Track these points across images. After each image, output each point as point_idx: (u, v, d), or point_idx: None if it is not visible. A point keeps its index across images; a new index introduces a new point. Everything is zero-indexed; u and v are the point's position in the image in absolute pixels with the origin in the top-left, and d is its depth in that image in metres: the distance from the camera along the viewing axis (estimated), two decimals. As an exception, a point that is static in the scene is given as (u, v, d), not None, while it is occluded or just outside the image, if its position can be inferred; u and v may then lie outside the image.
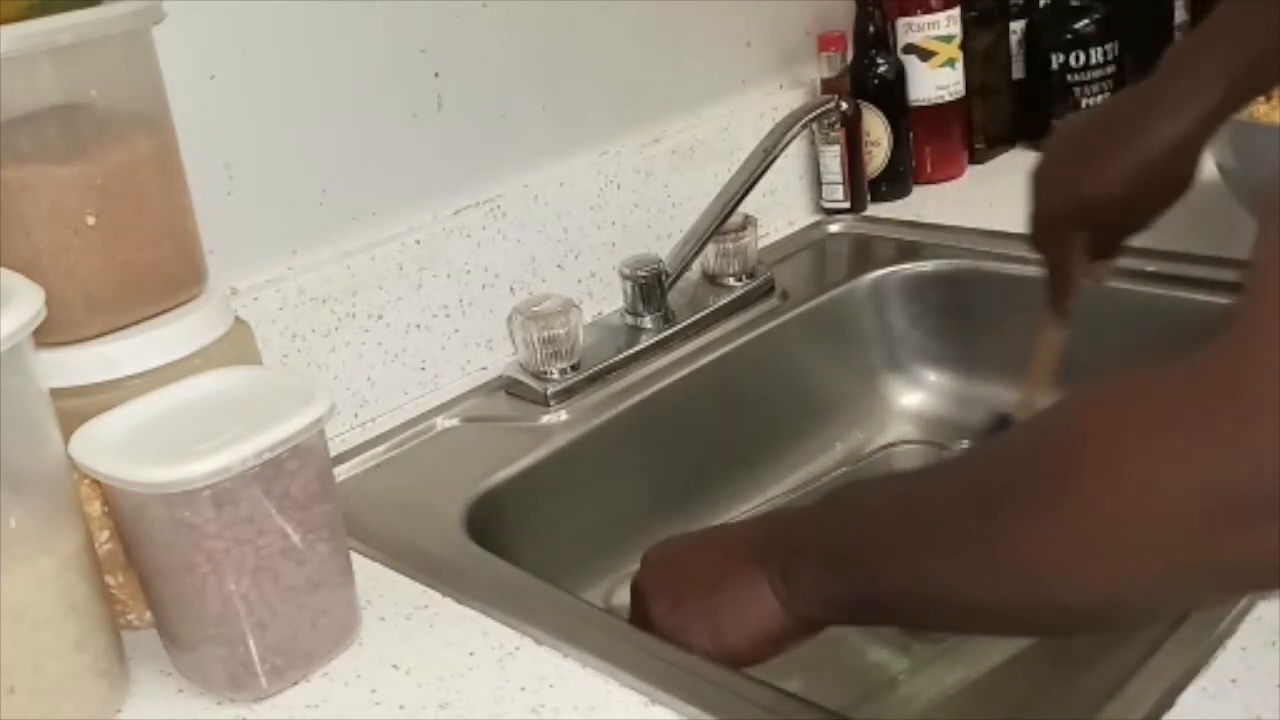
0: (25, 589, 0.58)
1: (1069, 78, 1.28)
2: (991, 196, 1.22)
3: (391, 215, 0.93)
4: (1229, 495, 0.39)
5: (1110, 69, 1.28)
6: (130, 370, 0.67)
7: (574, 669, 0.63)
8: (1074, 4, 1.28)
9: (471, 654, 0.65)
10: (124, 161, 0.68)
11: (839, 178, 1.20)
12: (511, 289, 0.99)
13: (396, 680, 0.64)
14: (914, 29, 1.22)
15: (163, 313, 0.70)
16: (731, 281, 1.05)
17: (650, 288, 1.00)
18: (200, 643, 0.63)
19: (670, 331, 0.99)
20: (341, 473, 0.85)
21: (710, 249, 1.04)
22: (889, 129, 1.22)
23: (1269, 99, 0.96)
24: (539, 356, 0.92)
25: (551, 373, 0.93)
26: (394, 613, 0.69)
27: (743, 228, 1.05)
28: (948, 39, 1.23)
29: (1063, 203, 0.74)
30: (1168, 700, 0.55)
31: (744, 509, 0.99)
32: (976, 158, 1.31)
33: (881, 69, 1.21)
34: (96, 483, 0.64)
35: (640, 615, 0.63)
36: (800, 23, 1.21)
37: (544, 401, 0.92)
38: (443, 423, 0.92)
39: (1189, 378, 0.41)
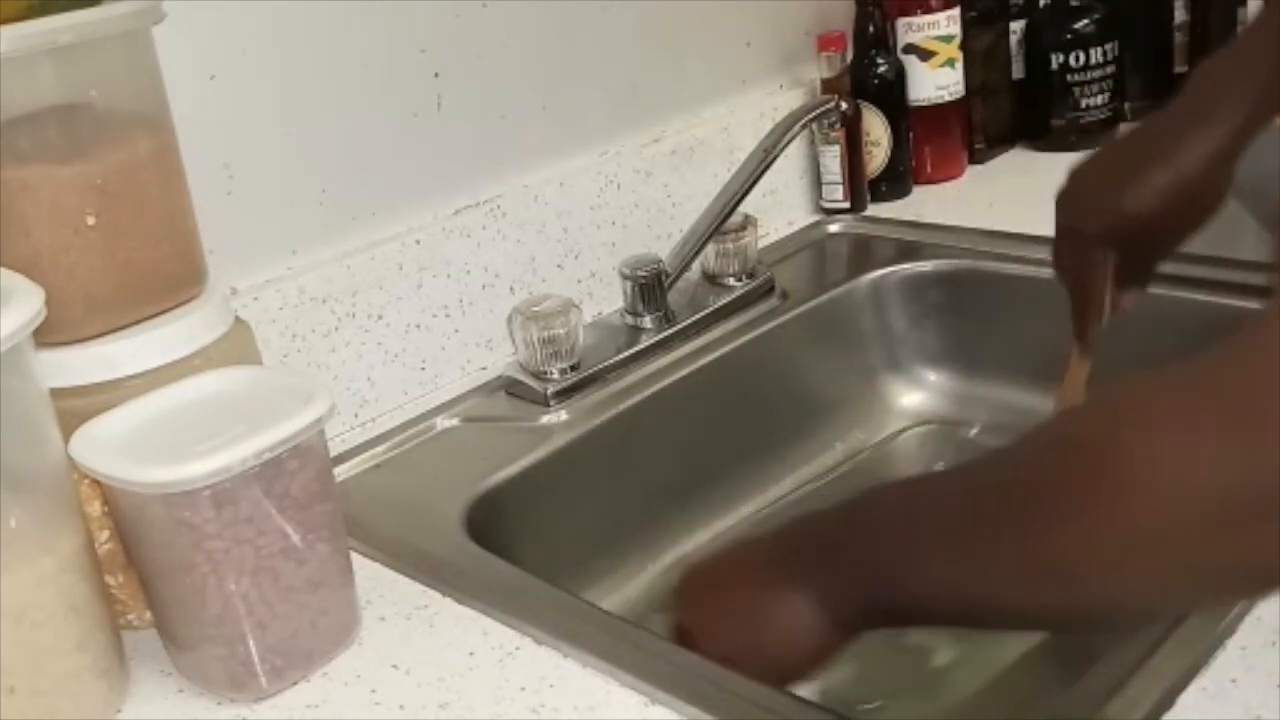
0: (25, 589, 0.58)
1: (1069, 78, 1.28)
2: (991, 196, 1.22)
3: (391, 215, 0.93)
4: (1256, 493, 0.39)
5: (1110, 69, 1.28)
6: (130, 370, 0.67)
7: (574, 669, 0.63)
8: (1074, 4, 1.28)
9: (471, 654, 0.65)
10: (124, 161, 0.68)
11: (839, 178, 1.20)
12: (511, 289, 0.99)
13: (396, 680, 0.64)
14: (914, 29, 1.22)
15: (163, 313, 0.70)
16: (731, 281, 1.05)
17: (650, 288, 1.00)
18: (200, 643, 0.63)
19: (670, 331, 0.99)
20: (341, 473, 0.85)
21: (710, 249, 1.04)
22: (889, 129, 1.22)
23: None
24: (539, 356, 0.92)
25: (551, 373, 0.93)
26: (394, 613, 0.69)
27: (743, 228, 1.05)
28: (948, 39, 1.23)
29: (1093, 219, 0.72)
30: (1168, 700, 0.55)
31: (744, 509, 0.99)
32: (976, 158, 1.30)
33: (881, 69, 1.21)
34: (96, 483, 0.64)
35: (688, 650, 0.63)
36: (800, 23, 1.21)
37: (544, 401, 0.92)
38: (443, 423, 0.92)
39: (1216, 376, 0.41)
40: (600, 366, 0.94)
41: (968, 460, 0.50)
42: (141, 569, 0.64)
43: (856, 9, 1.21)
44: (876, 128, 1.22)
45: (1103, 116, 1.29)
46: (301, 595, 0.63)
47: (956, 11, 1.23)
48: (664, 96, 1.11)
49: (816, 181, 1.22)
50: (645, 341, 0.98)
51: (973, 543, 0.48)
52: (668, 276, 1.00)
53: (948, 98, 1.24)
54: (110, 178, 0.67)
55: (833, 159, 1.19)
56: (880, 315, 1.10)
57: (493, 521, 0.81)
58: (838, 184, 1.20)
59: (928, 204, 1.23)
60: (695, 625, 0.61)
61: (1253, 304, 0.90)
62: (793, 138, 1.01)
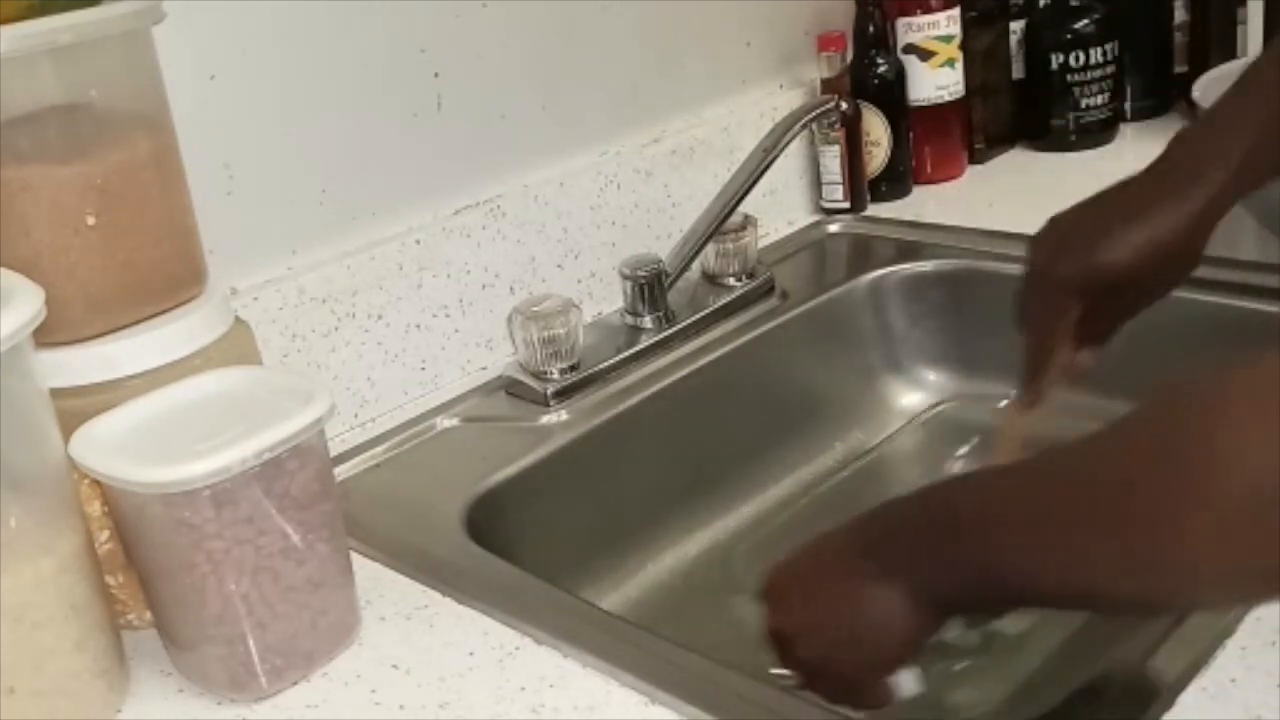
0: (25, 589, 0.58)
1: (1069, 78, 1.28)
2: (991, 196, 1.22)
3: (391, 215, 0.93)
4: None
5: (1110, 69, 1.28)
6: (130, 370, 0.67)
7: (574, 669, 0.63)
8: (1074, 4, 1.28)
9: (471, 654, 0.65)
10: (124, 161, 0.68)
11: (839, 178, 1.20)
12: (511, 289, 0.99)
13: (396, 680, 0.64)
14: (914, 29, 1.22)
15: (163, 313, 0.70)
16: (731, 281, 1.05)
17: (650, 288, 1.00)
18: (200, 643, 0.63)
19: (670, 331, 0.99)
20: (341, 473, 0.85)
21: (710, 249, 1.04)
22: (889, 129, 1.22)
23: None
24: (539, 356, 0.92)
25: (551, 373, 0.93)
26: (394, 613, 0.69)
27: (743, 228, 1.05)
28: (948, 39, 1.23)
29: (1066, 266, 0.72)
30: (1168, 700, 0.55)
31: (744, 509, 0.99)
32: (976, 158, 1.30)
33: (881, 69, 1.21)
34: (96, 483, 0.64)
35: (786, 657, 0.62)
36: (800, 23, 1.21)
37: (544, 401, 0.92)
38: (443, 423, 0.92)
39: None
40: (600, 366, 0.94)
41: (1056, 448, 0.50)
42: (141, 569, 0.64)
43: (856, 9, 1.21)
44: (876, 128, 1.22)
45: (1103, 116, 1.29)
46: (301, 595, 0.63)
47: (956, 11, 1.23)
48: (664, 96, 1.11)
49: (816, 181, 1.22)
50: (645, 341, 0.98)
51: (1067, 534, 0.48)
52: (668, 276, 1.00)
53: (948, 98, 1.24)
54: (110, 178, 0.67)
55: (833, 159, 1.19)
56: (880, 315, 1.10)
57: (493, 521, 0.81)
58: (838, 184, 1.20)
59: (928, 204, 1.23)
60: (788, 627, 0.61)
61: (1253, 304, 0.91)
62: (793, 138, 1.01)
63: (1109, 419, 0.47)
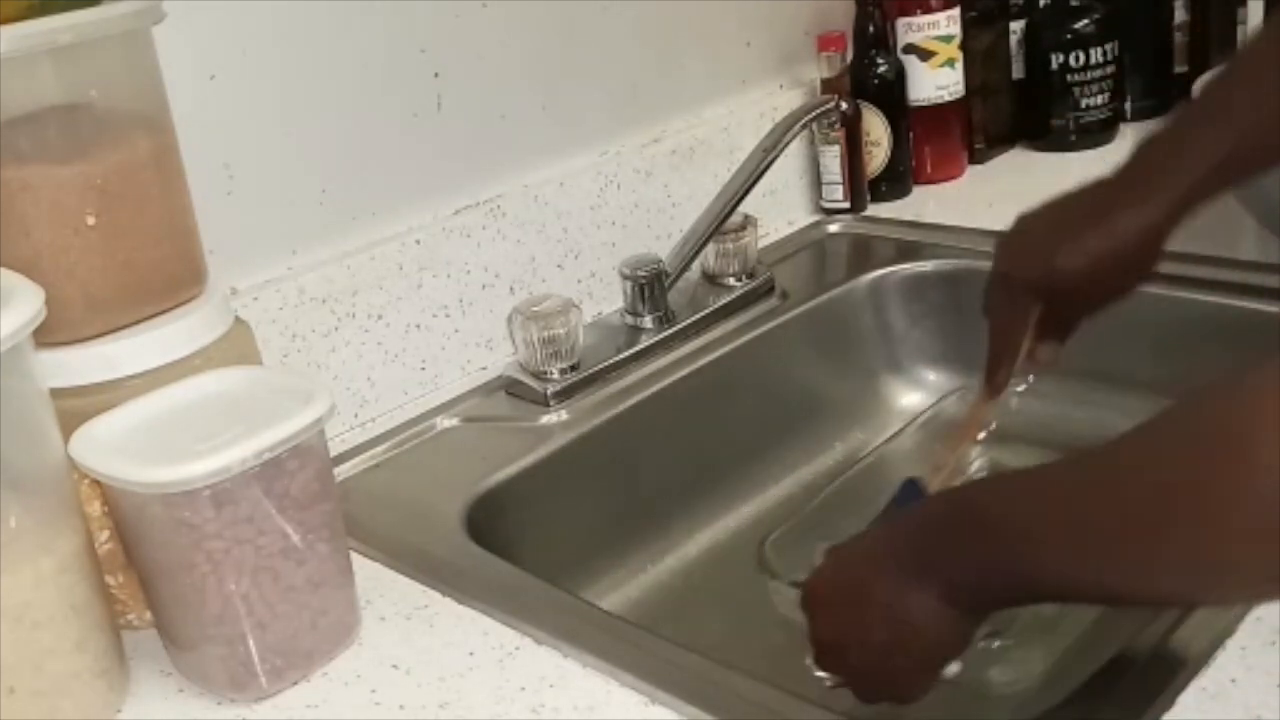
0: (25, 589, 0.58)
1: (1069, 78, 1.28)
2: (991, 196, 1.22)
3: (391, 215, 0.93)
4: None
5: (1110, 69, 1.28)
6: (130, 370, 0.67)
7: (574, 669, 0.63)
8: (1074, 4, 1.28)
9: (471, 654, 0.65)
10: (124, 161, 0.68)
11: (839, 178, 1.20)
12: (511, 289, 0.99)
13: (396, 680, 0.64)
14: (914, 29, 1.22)
15: (163, 313, 0.70)
16: (731, 281, 1.05)
17: (650, 288, 1.00)
18: (200, 643, 0.63)
19: (670, 331, 0.99)
20: (341, 473, 0.85)
21: (710, 249, 1.04)
22: (889, 129, 1.22)
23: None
24: (539, 356, 0.92)
25: (551, 373, 0.93)
26: (394, 613, 0.69)
27: (743, 228, 1.05)
28: (948, 39, 1.23)
29: (1026, 269, 0.75)
30: (1168, 700, 0.55)
31: (744, 509, 0.99)
32: (976, 158, 1.31)
33: (881, 69, 1.21)
34: (96, 483, 0.64)
35: (835, 664, 0.63)
36: (800, 23, 1.21)
37: (544, 401, 0.92)
38: (443, 423, 0.92)
39: None
40: (600, 366, 0.94)
41: (1090, 448, 0.50)
42: (141, 569, 0.64)
43: (856, 9, 1.21)
44: (876, 128, 1.22)
45: (1103, 116, 1.29)
46: (301, 595, 0.63)
47: (956, 11, 1.23)
48: (664, 96, 1.11)
49: (816, 181, 1.22)
50: (645, 341, 0.98)
51: (1103, 536, 0.48)
52: (668, 276, 1.00)
53: (948, 98, 1.24)
54: (110, 178, 0.67)
55: (833, 159, 1.19)
56: (880, 315, 1.10)
57: (493, 521, 0.81)
58: (838, 184, 1.20)
59: (928, 204, 1.23)
60: (832, 638, 0.62)
61: (1253, 304, 0.91)
62: (793, 138, 1.01)
63: (1108, 418, 0.47)
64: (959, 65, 1.24)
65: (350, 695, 0.63)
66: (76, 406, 0.64)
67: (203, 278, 0.73)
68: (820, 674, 0.62)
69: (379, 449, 0.88)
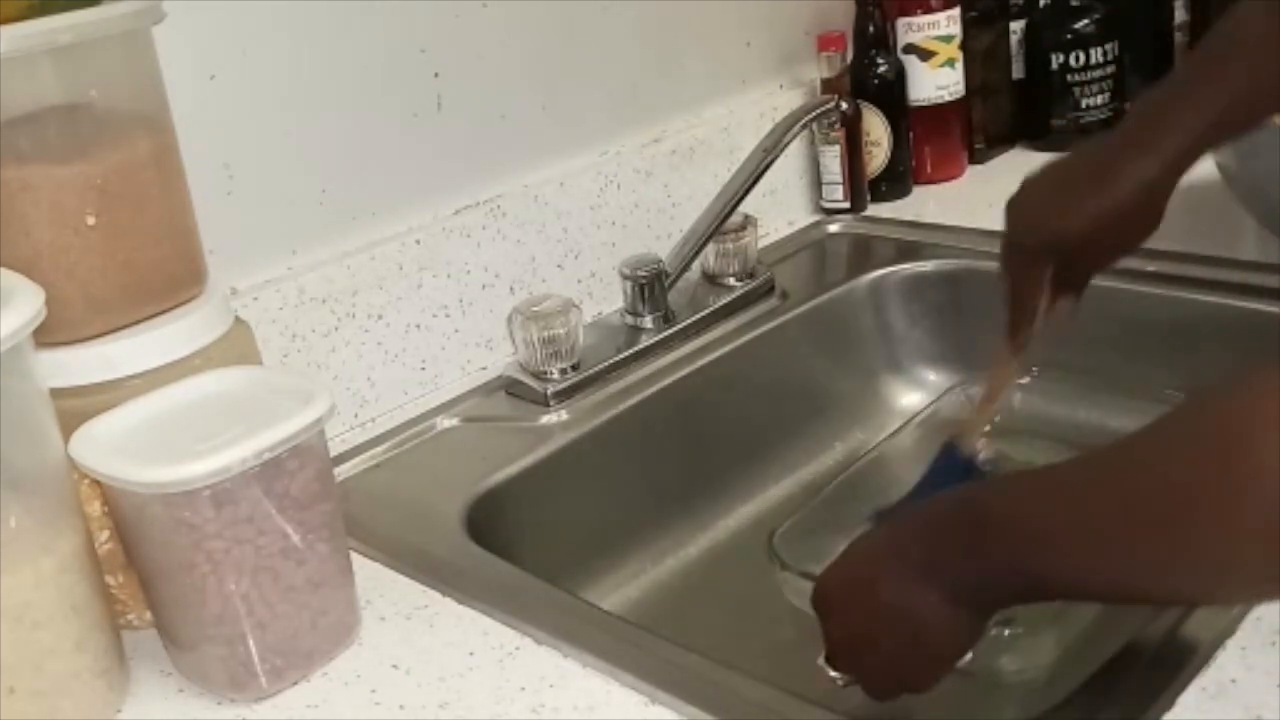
0: (25, 589, 0.58)
1: (1069, 78, 1.28)
2: (991, 196, 1.21)
3: (391, 215, 0.93)
4: None
5: (1110, 69, 1.28)
6: (130, 370, 0.67)
7: (574, 669, 0.63)
8: (1074, 4, 1.28)
9: (471, 654, 0.65)
10: (124, 161, 0.68)
11: (839, 178, 1.20)
12: (511, 289, 0.99)
13: (396, 680, 0.64)
14: (914, 29, 1.22)
15: (163, 313, 0.70)
16: (731, 281, 1.05)
17: (650, 288, 1.00)
18: (200, 643, 0.63)
19: (670, 331, 0.99)
20: (341, 473, 0.85)
21: (710, 249, 1.04)
22: (889, 129, 1.22)
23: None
24: (539, 356, 0.92)
25: (551, 373, 0.93)
26: (394, 613, 0.69)
27: (743, 228, 1.05)
28: (948, 39, 1.23)
29: (1033, 234, 0.77)
30: (1168, 700, 0.55)
31: (744, 509, 0.99)
32: (976, 158, 1.31)
33: (881, 69, 1.21)
34: (96, 483, 0.64)
35: (849, 665, 0.63)
36: (800, 23, 1.21)
37: (544, 401, 0.92)
38: (443, 423, 0.92)
39: None
40: (600, 366, 0.94)
41: (1094, 450, 0.50)
42: (141, 569, 0.64)
43: (856, 9, 1.21)
44: (876, 128, 1.22)
45: (1103, 116, 1.29)
46: (301, 595, 0.63)
47: (956, 11, 1.23)
48: (664, 96, 1.11)
49: (816, 181, 1.22)
50: (645, 341, 0.98)
51: (1109, 538, 0.49)
52: (668, 276, 1.00)
53: (948, 98, 1.24)
54: (110, 178, 0.67)
55: (833, 159, 1.19)
56: (880, 315, 1.10)
57: (493, 521, 0.81)
58: (838, 184, 1.20)
59: (928, 204, 1.23)
60: (844, 638, 0.62)
61: (1253, 304, 0.91)
62: (793, 138, 1.01)
63: (1109, 417, 0.47)
64: (959, 65, 1.24)
65: (350, 695, 0.63)
66: (76, 406, 0.64)
67: (203, 278, 0.73)
68: (833, 674, 0.62)
69: (379, 449, 0.88)
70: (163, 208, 0.70)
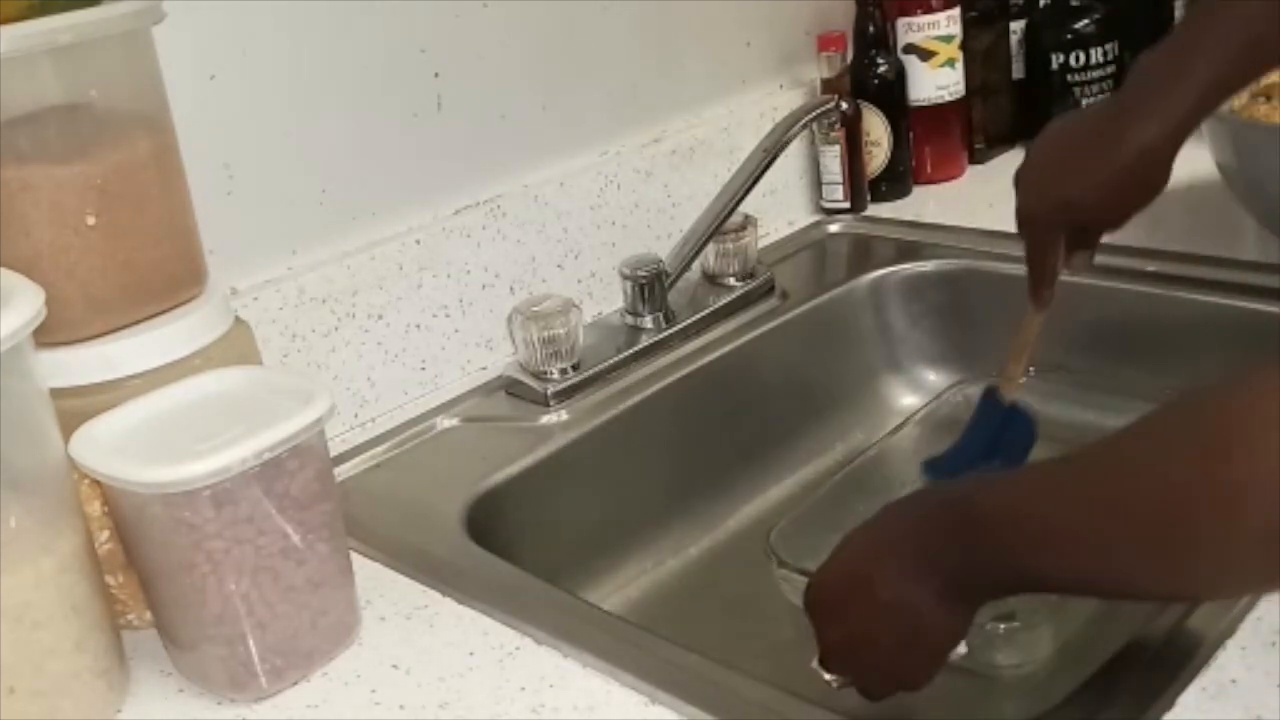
0: (25, 589, 0.58)
1: (1069, 78, 1.28)
2: (991, 196, 1.22)
3: (391, 215, 0.93)
4: None
5: (1110, 69, 1.28)
6: (130, 370, 0.67)
7: (574, 669, 0.63)
8: (1074, 4, 1.28)
9: (471, 654, 0.65)
10: (124, 161, 0.68)
11: (839, 178, 1.20)
12: (511, 289, 0.99)
13: (396, 680, 0.64)
14: (914, 29, 1.22)
15: (163, 313, 0.70)
16: (731, 281, 1.05)
17: (650, 288, 1.00)
18: (200, 643, 0.63)
19: (670, 331, 0.99)
20: (341, 473, 0.85)
21: (710, 249, 1.04)
22: (889, 129, 1.22)
23: (1269, 99, 0.96)
24: (539, 356, 0.92)
25: (551, 373, 0.93)
26: (394, 613, 0.69)
27: (743, 228, 1.05)
28: (948, 39, 1.23)
29: (1041, 204, 0.78)
30: (1168, 700, 0.55)
31: (744, 509, 0.99)
32: (976, 158, 1.31)
33: (881, 69, 1.21)
34: (96, 483, 0.64)
35: (842, 664, 0.63)
36: (800, 23, 1.21)
37: (544, 401, 0.92)
38: (443, 423, 0.92)
39: None
40: (600, 366, 0.94)
41: (1088, 447, 0.50)
42: (141, 569, 0.64)
43: (856, 9, 1.21)
44: (876, 128, 1.22)
45: (1103, 116, 1.29)
46: (301, 595, 0.63)
47: (956, 11, 1.23)
48: (664, 96, 1.11)
49: (816, 181, 1.22)
50: (645, 341, 0.98)
51: (1100, 535, 0.49)
52: (668, 276, 1.00)
53: (948, 98, 1.24)
54: (110, 178, 0.67)
55: (833, 159, 1.19)
56: (880, 315, 1.10)
57: (493, 521, 0.81)
58: (838, 184, 1.20)
59: (928, 204, 1.23)
60: (839, 640, 0.62)
61: (1253, 304, 0.91)
62: (793, 138, 1.01)
63: (1108, 417, 0.47)
64: (959, 65, 1.24)
65: (350, 695, 0.63)
66: (76, 406, 0.64)
67: (203, 278, 0.73)
68: (827, 676, 0.62)
69: (379, 449, 0.88)
70: (163, 208, 0.70)
